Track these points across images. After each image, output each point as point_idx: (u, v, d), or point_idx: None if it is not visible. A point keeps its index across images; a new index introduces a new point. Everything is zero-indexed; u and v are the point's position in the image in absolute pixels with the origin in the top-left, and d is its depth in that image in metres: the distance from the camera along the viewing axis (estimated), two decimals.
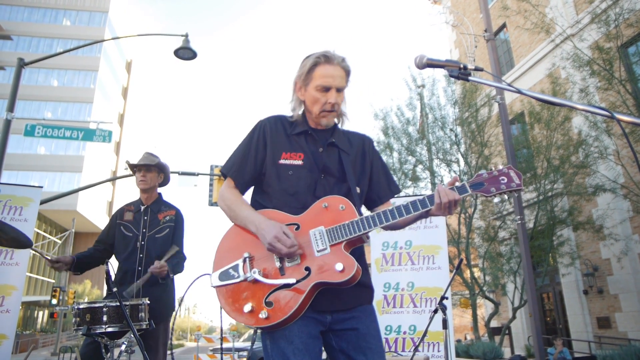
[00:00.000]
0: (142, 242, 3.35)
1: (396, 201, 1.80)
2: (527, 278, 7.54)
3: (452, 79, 12.80)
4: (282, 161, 1.81)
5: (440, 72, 13.19)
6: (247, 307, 1.61)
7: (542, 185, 11.34)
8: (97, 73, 39.77)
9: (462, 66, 1.65)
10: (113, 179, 17.38)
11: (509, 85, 1.66)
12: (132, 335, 2.85)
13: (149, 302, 2.95)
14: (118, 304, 2.76)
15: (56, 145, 36.27)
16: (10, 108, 11.15)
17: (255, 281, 1.64)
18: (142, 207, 3.46)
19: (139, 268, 3.31)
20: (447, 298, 3.47)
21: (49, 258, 3.23)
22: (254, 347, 11.53)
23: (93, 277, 37.50)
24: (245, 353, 10.88)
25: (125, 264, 3.34)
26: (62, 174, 35.36)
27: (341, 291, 1.66)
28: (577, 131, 11.29)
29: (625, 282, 11.21)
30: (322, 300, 1.65)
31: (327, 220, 1.68)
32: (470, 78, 1.67)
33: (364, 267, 1.80)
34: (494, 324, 13.84)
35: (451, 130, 12.78)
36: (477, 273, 12.90)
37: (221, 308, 1.71)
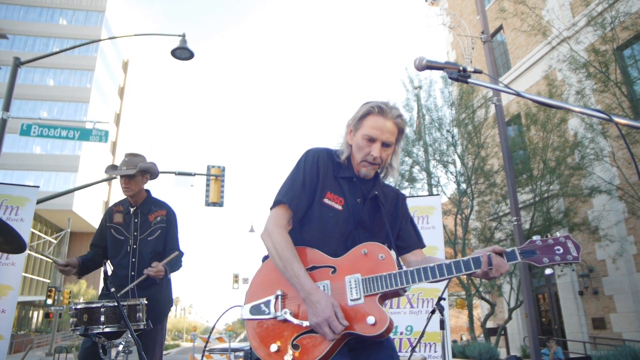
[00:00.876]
0: (134, 246, 3.29)
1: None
2: (523, 279, 7.57)
3: (450, 81, 12.92)
4: (326, 200, 1.78)
5: (438, 74, 13.23)
6: (274, 347, 1.58)
7: (539, 186, 11.39)
8: (94, 73, 39.62)
9: (461, 68, 1.65)
10: (109, 179, 17.28)
11: (508, 87, 1.67)
12: (130, 336, 2.85)
13: (146, 302, 2.94)
14: (116, 304, 2.76)
15: (52, 144, 36.12)
16: (6, 107, 11.12)
17: (285, 321, 1.61)
18: (132, 209, 3.36)
19: (132, 273, 3.26)
20: (444, 299, 3.47)
21: (59, 262, 3.20)
22: (248, 347, 11.55)
23: (88, 277, 37.33)
24: (241, 353, 10.88)
25: (118, 268, 3.30)
26: (57, 174, 35.22)
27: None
28: (573, 133, 11.34)
29: (620, 283, 11.27)
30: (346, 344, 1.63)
31: (365, 268, 1.64)
32: (469, 80, 1.68)
33: None
34: (489, 324, 13.89)
35: (448, 131, 12.81)
36: None
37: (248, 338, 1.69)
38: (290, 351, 1.56)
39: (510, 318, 11.64)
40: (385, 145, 1.79)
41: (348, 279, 1.63)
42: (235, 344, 12.37)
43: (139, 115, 49.36)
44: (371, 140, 1.78)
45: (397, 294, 1.65)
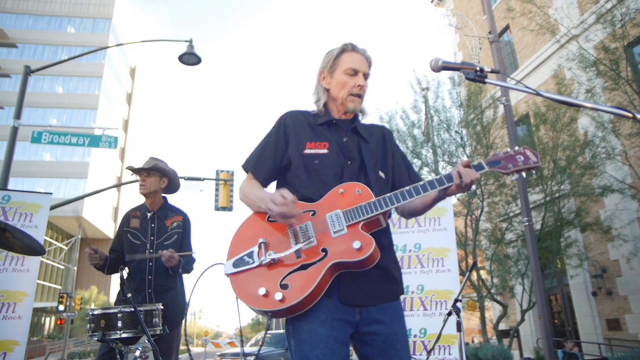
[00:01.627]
0: (151, 250, 3.34)
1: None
2: (535, 280, 7.51)
3: (458, 81, 12.89)
4: (307, 151, 1.81)
5: (445, 75, 13.19)
6: (262, 291, 1.59)
7: (549, 186, 11.30)
8: (102, 79, 39.98)
9: (478, 69, 1.65)
10: (118, 185, 17.38)
11: (527, 86, 1.66)
12: (146, 341, 2.86)
13: (162, 307, 2.95)
14: (132, 309, 2.77)
15: (62, 151, 36.43)
16: (17, 115, 11.22)
17: (270, 264, 1.63)
18: (149, 214, 3.41)
19: (150, 277, 3.30)
20: (460, 300, 3.44)
21: (92, 247, 3.25)
22: (261, 351, 11.55)
23: (99, 282, 37.57)
24: (252, 358, 10.87)
25: (135, 272, 3.32)
26: (67, 180, 35.52)
27: (367, 280, 1.64)
28: (584, 132, 11.25)
29: (635, 284, 11.14)
30: (349, 290, 1.63)
31: (343, 204, 1.68)
32: (487, 80, 1.67)
33: (393, 258, 1.79)
34: (502, 326, 13.78)
35: (456, 132, 12.76)
36: (485, 275, 12.85)
37: (237, 298, 1.68)
38: (279, 291, 1.57)
39: (523, 320, 11.54)
40: (365, 76, 1.88)
41: (329, 215, 1.66)
42: (247, 349, 12.36)
43: (146, 121, 49.69)
44: (355, 72, 1.86)
45: (378, 222, 1.70)
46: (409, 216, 1.89)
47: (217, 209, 12.73)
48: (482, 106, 12.50)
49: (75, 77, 39.44)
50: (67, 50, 39.13)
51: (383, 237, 1.75)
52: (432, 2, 21.12)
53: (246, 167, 1.90)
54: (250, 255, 1.68)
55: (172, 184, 3.56)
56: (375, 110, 14.52)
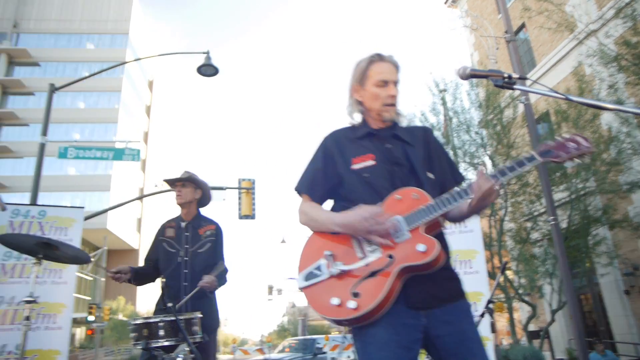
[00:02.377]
0: (186, 258, 3.44)
1: None
2: (564, 279, 7.41)
3: (475, 82, 12.82)
4: (354, 166, 1.85)
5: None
6: (335, 301, 1.64)
7: (574, 184, 11.15)
8: (120, 93, 40.77)
9: (506, 75, 1.69)
10: (142, 197, 17.67)
11: (556, 92, 1.69)
12: (187, 348, 2.94)
13: (201, 315, 3.04)
14: (173, 318, 2.86)
15: (85, 165, 37.20)
16: (44, 132, 11.55)
17: (340, 275, 1.69)
18: (183, 224, 3.54)
19: (185, 283, 3.40)
20: (493, 302, 3.45)
21: (111, 270, 3.34)
22: (288, 358, 11.60)
23: (127, 293, 38.14)
24: None
25: (170, 280, 3.43)
26: (92, 193, 36.23)
27: (431, 282, 1.66)
28: (607, 128, 11.08)
29: None
30: (414, 294, 1.65)
31: (402, 209, 1.71)
32: (515, 87, 1.71)
33: (449, 256, 1.81)
34: (531, 327, 13.57)
35: (476, 133, 12.69)
36: (511, 276, 12.70)
37: (310, 307, 1.74)
38: (352, 299, 1.62)
39: (553, 320, 11.37)
40: (395, 84, 1.92)
41: (389, 222, 1.69)
42: (274, 355, 12.43)
43: (166, 132, 50.40)
44: (385, 83, 1.89)
45: (438, 224, 1.72)
46: (458, 220, 1.88)
47: (240, 217, 12.87)
48: (501, 106, 12.42)
49: (96, 92, 40.29)
50: (87, 66, 40.04)
51: (443, 239, 1.78)
52: (445, 3, 21.07)
53: (300, 189, 1.95)
54: (319, 268, 1.74)
55: (205, 196, 3.68)
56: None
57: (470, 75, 1.75)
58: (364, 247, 1.71)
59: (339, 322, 1.67)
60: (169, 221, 3.63)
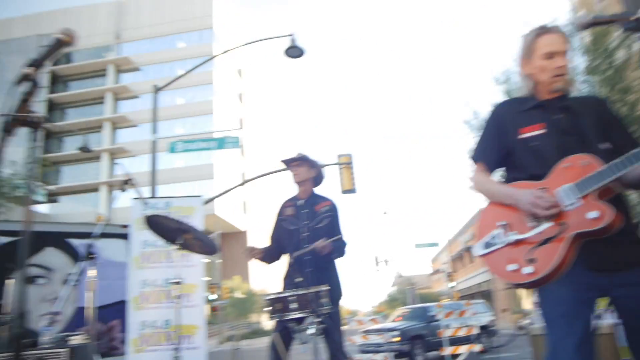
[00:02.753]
0: (307, 234, 3.63)
1: None
2: None
3: (579, 27, 11.62)
4: (523, 135, 1.91)
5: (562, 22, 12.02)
6: (512, 267, 1.75)
7: None
8: (212, 85, 42.83)
9: (634, 17, 1.56)
10: (246, 181, 18.54)
11: None
12: (317, 320, 3.12)
13: (328, 287, 3.20)
14: (303, 292, 3.06)
15: (190, 157, 39.86)
16: (154, 130, 12.57)
17: (515, 243, 1.78)
18: (300, 202, 3.74)
19: (307, 257, 3.59)
20: None
21: (246, 248, 3.63)
22: (403, 326, 11.72)
23: (242, 272, 40.79)
24: (397, 332, 11.10)
25: (294, 256, 3.65)
26: (199, 182, 38.84)
27: (613, 246, 1.66)
28: None
29: None
30: (594, 257, 1.67)
31: (571, 177, 1.73)
32: None
33: (631, 220, 1.77)
34: None
35: (584, 81, 11.64)
36: None
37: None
38: (528, 265, 1.71)
39: None
40: (564, 54, 1.91)
41: (560, 190, 1.73)
42: (389, 324, 12.64)
43: (260, 116, 52.19)
44: (552, 55, 1.89)
45: (610, 190, 1.67)
46: (637, 186, 1.79)
47: (343, 192, 13.11)
48: (609, 49, 11.22)
49: (191, 87, 42.65)
50: (180, 64, 42.49)
51: (620, 203, 1.73)
52: None
53: (476, 158, 2.06)
54: (495, 237, 1.86)
55: (319, 175, 3.85)
56: (489, 73, 13.73)
57: (593, 22, 1.65)
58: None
59: (518, 286, 1.78)
60: (286, 201, 3.83)
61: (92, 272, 3.20)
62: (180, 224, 3.07)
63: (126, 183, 3.25)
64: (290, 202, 3.80)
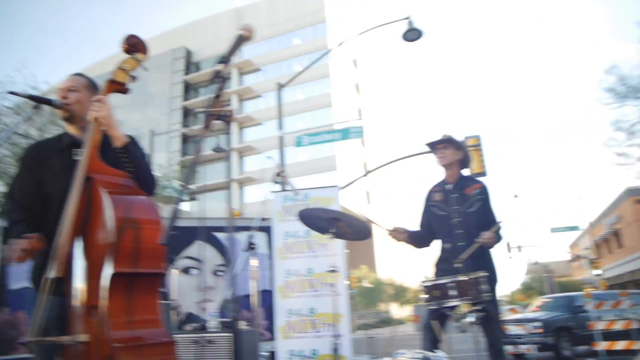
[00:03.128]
0: (458, 219, 3.48)
1: None
2: None
3: None
4: None
5: None
6: None
7: None
8: (329, 78, 43.59)
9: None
10: (369, 172, 18.52)
11: None
12: (476, 307, 2.97)
13: (487, 274, 3.03)
14: (462, 278, 2.93)
15: (313, 150, 41.16)
16: (280, 126, 13.12)
17: None
18: (448, 186, 3.60)
19: (460, 244, 3.43)
20: None
21: (388, 228, 3.62)
22: (546, 316, 10.83)
23: (369, 261, 41.27)
24: (539, 323, 10.31)
25: (446, 243, 3.52)
26: (324, 174, 39.94)
27: None
28: None
29: None
30: None
31: None
32: None
33: None
34: None
35: None
36: None
37: None
38: None
39: None
40: None
41: None
42: (530, 314, 11.82)
43: (378, 105, 52.01)
44: None
45: None
46: None
47: (473, 175, 12.50)
48: None
49: (308, 82, 43.86)
50: (297, 60, 43.94)
51: None
52: None
53: None
54: None
55: (466, 157, 3.69)
56: None
57: None
58: None
59: None
60: (434, 186, 3.73)
61: (254, 262, 3.39)
62: (332, 212, 3.12)
63: (278, 175, 3.36)
64: (438, 187, 3.69)
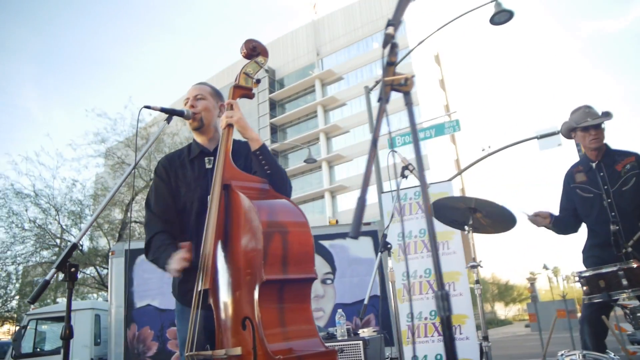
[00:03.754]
0: (609, 200, 3.06)
1: None
2: None
3: None
4: None
5: None
6: None
7: None
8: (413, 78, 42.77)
9: None
10: (464, 170, 17.67)
11: None
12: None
13: None
14: (635, 265, 2.54)
15: (402, 151, 40.46)
16: (372, 129, 12.98)
17: None
18: (593, 164, 3.20)
19: (616, 227, 3.01)
20: None
21: (528, 214, 3.28)
22: None
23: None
24: None
25: (597, 226, 3.12)
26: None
27: None
28: None
29: None
30: None
31: None
32: None
33: None
34: None
35: None
36: None
37: None
38: None
39: None
40: None
41: None
42: None
43: (465, 99, 50.14)
44: None
45: None
46: None
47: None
48: None
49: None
50: (378, 64, 43.54)
51: None
52: None
53: None
54: None
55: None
56: None
57: None
58: None
59: None
60: (575, 166, 3.35)
61: (390, 263, 3.21)
62: (468, 200, 2.82)
63: (406, 169, 3.18)
64: (580, 166, 3.30)
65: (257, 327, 1.69)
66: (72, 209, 15.84)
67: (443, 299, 0.99)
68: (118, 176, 16.57)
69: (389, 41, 1.16)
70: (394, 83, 1.13)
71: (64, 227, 15.81)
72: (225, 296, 1.91)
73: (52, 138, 68.39)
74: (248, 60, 2.30)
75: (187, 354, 1.85)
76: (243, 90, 2.23)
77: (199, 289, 1.90)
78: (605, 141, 3.21)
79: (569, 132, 3.27)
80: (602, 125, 3.13)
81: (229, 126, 2.10)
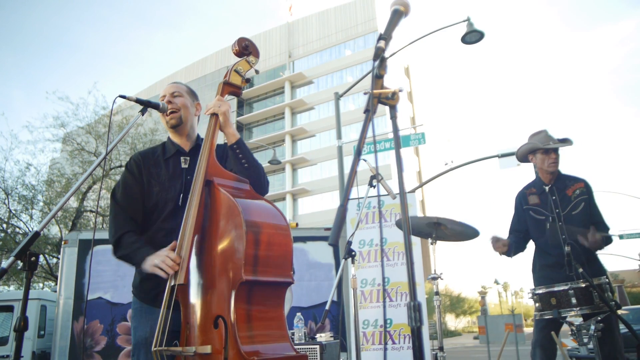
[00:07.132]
0: (559, 223, 3.20)
1: None
2: None
3: None
4: None
5: None
6: None
7: None
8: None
9: None
10: (425, 183, 18.04)
11: None
12: (599, 317, 2.69)
13: (609, 280, 2.76)
14: (583, 285, 2.66)
15: (368, 159, 40.86)
16: (339, 135, 13.02)
17: None
18: (546, 187, 3.31)
19: (566, 249, 3.15)
20: None
21: (494, 235, 3.35)
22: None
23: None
24: None
25: (548, 248, 3.23)
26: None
27: None
28: None
29: None
30: None
31: None
32: None
33: None
34: None
35: None
36: None
37: None
38: None
39: None
40: None
41: None
42: None
43: (431, 113, 51.16)
44: None
45: None
46: None
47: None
48: None
49: (359, 92, 43.85)
50: (349, 71, 44.02)
51: None
52: None
53: None
54: None
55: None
56: None
57: None
58: None
59: None
60: (527, 188, 3.45)
61: (353, 270, 3.24)
62: (430, 218, 2.94)
63: (374, 178, 3.22)
64: (533, 188, 3.40)
65: (231, 327, 1.66)
66: (23, 194, 15.17)
67: (415, 309, 1.03)
68: (76, 163, 16.00)
69: (380, 55, 1.19)
70: (382, 96, 1.16)
71: (13, 211, 15.11)
72: (196, 293, 1.87)
73: (8, 118, 65.27)
74: (239, 59, 2.29)
75: (154, 349, 1.80)
76: (232, 88, 2.22)
77: (172, 284, 1.85)
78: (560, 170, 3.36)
79: (528, 153, 3.36)
80: (559, 151, 3.27)
81: (215, 115, 2.08)
